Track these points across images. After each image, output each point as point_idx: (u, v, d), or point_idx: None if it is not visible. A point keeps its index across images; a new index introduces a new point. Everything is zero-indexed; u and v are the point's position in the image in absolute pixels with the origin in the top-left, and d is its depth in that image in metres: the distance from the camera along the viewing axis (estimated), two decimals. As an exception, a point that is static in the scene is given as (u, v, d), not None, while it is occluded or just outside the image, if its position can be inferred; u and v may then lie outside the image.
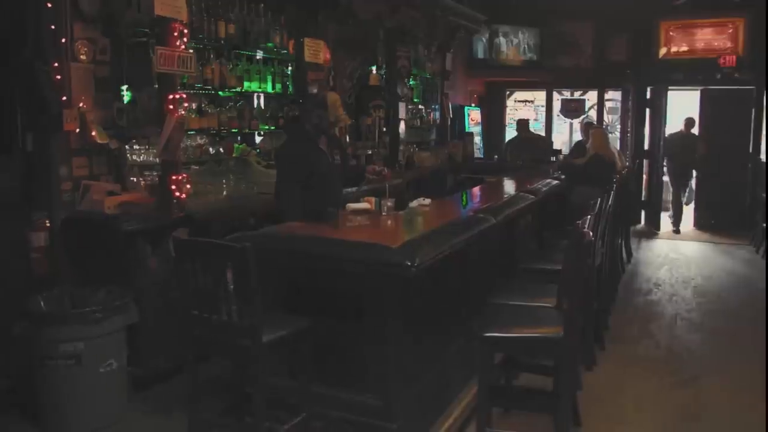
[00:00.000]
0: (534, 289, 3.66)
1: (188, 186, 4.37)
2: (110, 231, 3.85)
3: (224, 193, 4.87)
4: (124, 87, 4.34)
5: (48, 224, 3.91)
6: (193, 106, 4.92)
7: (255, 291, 2.81)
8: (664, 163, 10.14)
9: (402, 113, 7.78)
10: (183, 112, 4.36)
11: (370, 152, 7.09)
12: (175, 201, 4.22)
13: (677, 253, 8.28)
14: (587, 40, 10.56)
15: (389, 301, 3.11)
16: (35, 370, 3.41)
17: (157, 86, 4.21)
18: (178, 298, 3.15)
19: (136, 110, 4.35)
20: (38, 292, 3.60)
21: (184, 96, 4.38)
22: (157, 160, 4.33)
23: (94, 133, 4.13)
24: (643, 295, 6.36)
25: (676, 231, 9.72)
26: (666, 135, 10.18)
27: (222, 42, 5.03)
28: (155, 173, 4.40)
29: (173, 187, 4.22)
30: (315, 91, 5.86)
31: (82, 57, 4.09)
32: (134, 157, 4.40)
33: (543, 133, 10.82)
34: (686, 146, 9.83)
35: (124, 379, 3.60)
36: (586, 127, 8.14)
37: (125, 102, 4.35)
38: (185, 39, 4.23)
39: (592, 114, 11.10)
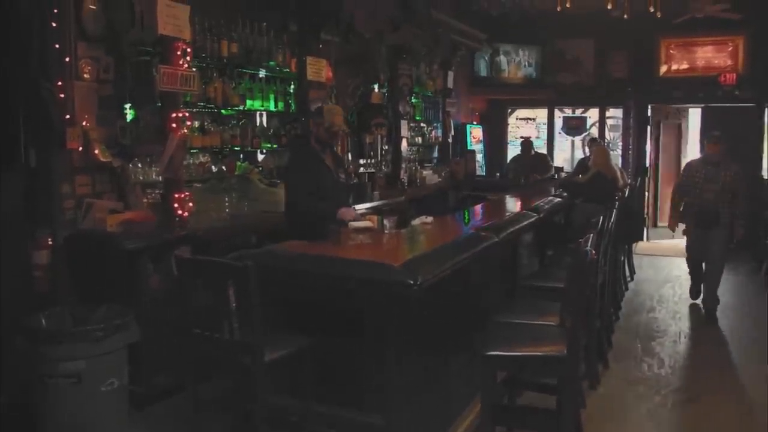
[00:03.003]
0: (536, 306, 3.65)
1: (190, 204, 4.39)
2: (112, 249, 3.86)
3: (226, 211, 4.89)
4: (127, 105, 4.38)
5: (50, 242, 3.92)
6: (196, 124, 4.95)
7: (256, 309, 2.81)
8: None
9: (404, 131, 7.81)
10: (186, 131, 4.39)
11: (372, 170, 7.11)
12: (177, 219, 4.24)
13: (680, 270, 8.26)
14: (588, 58, 10.63)
15: (391, 320, 3.10)
16: (35, 388, 3.40)
17: (160, 104, 4.24)
18: (179, 316, 3.15)
19: (138, 128, 4.38)
20: (39, 309, 3.60)
21: (187, 114, 4.42)
22: (160, 178, 4.35)
23: (96, 151, 4.15)
24: (646, 312, 6.34)
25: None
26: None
27: (225, 61, 5.07)
28: (158, 191, 4.42)
29: (175, 205, 4.24)
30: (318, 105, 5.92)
31: (86, 75, 4.13)
32: (137, 175, 4.42)
33: (545, 151, 10.84)
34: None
35: (125, 398, 3.58)
36: (590, 143, 8.17)
37: (128, 120, 4.38)
38: (188, 58, 4.28)
39: (594, 131, 11.14)
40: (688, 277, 6.72)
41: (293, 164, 4.28)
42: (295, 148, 4.40)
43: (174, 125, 4.19)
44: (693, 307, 6.52)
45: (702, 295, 6.36)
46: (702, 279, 6.39)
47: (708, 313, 6.16)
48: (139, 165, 4.44)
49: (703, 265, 6.32)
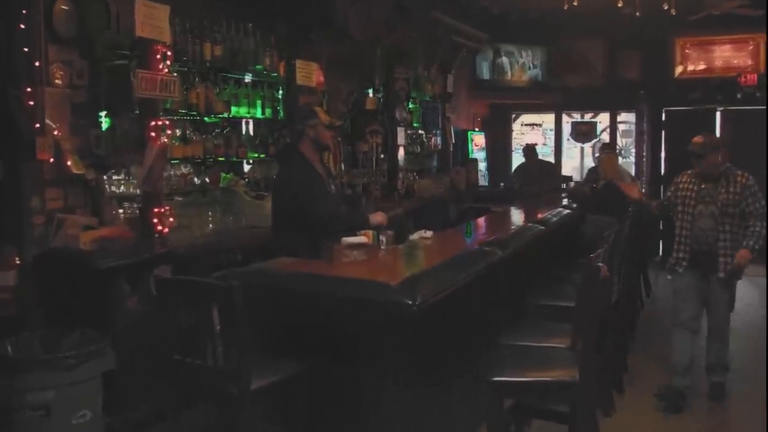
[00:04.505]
0: (545, 327, 3.65)
1: (171, 219, 4.38)
2: (86, 269, 3.84)
3: (210, 226, 4.89)
4: (103, 113, 4.38)
5: (18, 261, 3.90)
6: (177, 133, 4.95)
7: (243, 333, 2.80)
8: None
9: (401, 139, 7.83)
10: (166, 140, 4.38)
11: (367, 181, 7.12)
12: (156, 235, 4.23)
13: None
14: (598, 59, 10.69)
15: (389, 343, 3.10)
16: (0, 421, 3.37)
17: (138, 112, 4.24)
18: (159, 341, 3.13)
19: (115, 138, 4.37)
20: (5, 335, 3.57)
21: (167, 122, 4.42)
22: (138, 191, 4.33)
23: (69, 163, 4.14)
24: (664, 333, 6.32)
25: None
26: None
27: (208, 64, 5.08)
28: (135, 205, 4.41)
29: (155, 220, 4.23)
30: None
31: (57, 81, 4.12)
32: (113, 188, 4.41)
33: (552, 159, 10.87)
34: None
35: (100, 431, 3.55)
36: (601, 150, 8.19)
37: (103, 129, 4.37)
38: (168, 61, 4.28)
39: (605, 137, 11.17)
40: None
41: (292, 174, 4.22)
42: (288, 156, 4.36)
43: (153, 134, 4.19)
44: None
45: (705, 363, 4.84)
46: (702, 341, 4.86)
47: (714, 388, 4.74)
48: (115, 177, 4.43)
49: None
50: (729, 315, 4.74)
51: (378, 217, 4.25)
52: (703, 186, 4.65)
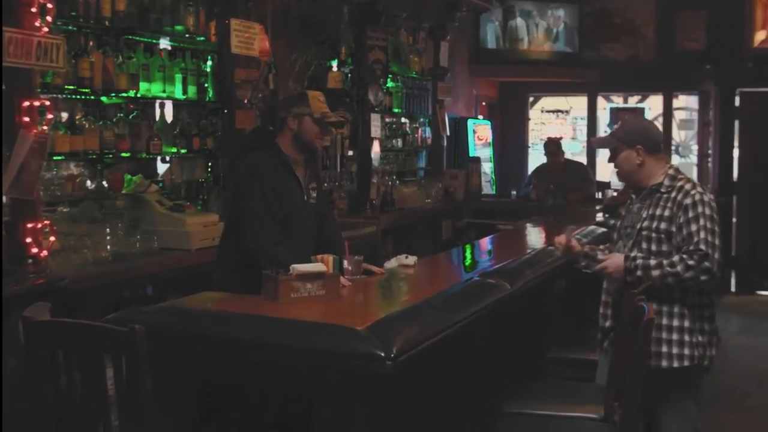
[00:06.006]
0: (570, 390, 3.67)
1: (52, 238, 4.33)
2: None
3: (108, 248, 4.85)
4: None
5: None
6: (62, 117, 4.91)
7: (148, 398, 2.76)
8: None
9: (375, 130, 7.84)
10: (45, 128, 4.34)
11: (326, 186, 7.11)
12: (30, 261, 4.18)
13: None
14: (647, 21, 10.82)
15: (353, 410, 3.08)
16: None
17: (3, 88, 4.19)
18: (29, 408, 3.08)
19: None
20: None
21: (47, 103, 4.37)
22: (3, 198, 4.28)
23: None
24: (737, 399, 6.37)
25: None
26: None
27: (107, 23, 5.05)
28: None
29: (27, 239, 4.18)
30: (248, 97, 5.90)
31: None
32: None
33: (583, 159, 10.93)
34: None
35: None
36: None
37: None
38: (49, 17, 4.24)
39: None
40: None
41: (253, 172, 4.24)
42: (257, 147, 4.35)
43: (26, 119, 4.15)
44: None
45: None
46: None
47: None
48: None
49: None
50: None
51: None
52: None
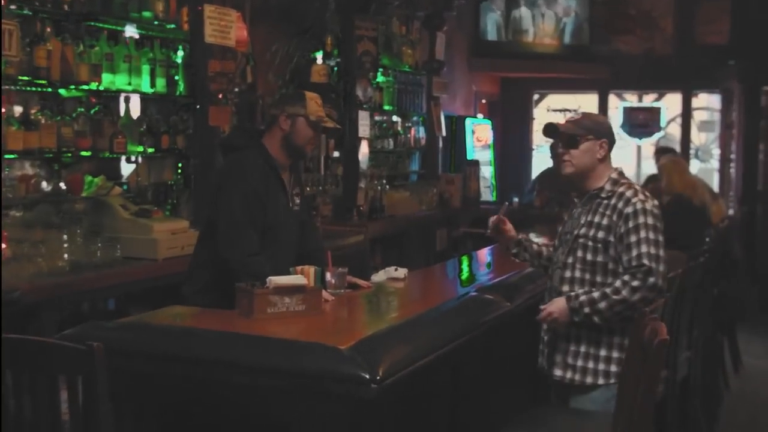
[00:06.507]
0: (574, 417, 3.66)
1: (3, 245, 4.33)
2: None
3: (65, 257, 4.84)
4: None
5: None
6: (16, 111, 4.91)
7: (108, 423, 2.77)
8: None
9: (364, 129, 7.86)
10: (-4, 123, 4.35)
11: (309, 191, 7.13)
12: (-23, 270, 4.17)
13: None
14: (665, 12, 10.86)
15: (335, 439, 3.09)
16: None
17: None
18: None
19: None
20: None
21: None
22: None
23: None
24: (760, 429, 6.37)
25: None
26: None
27: (66, 8, 5.05)
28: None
29: (-24, 246, 4.18)
30: (223, 91, 5.90)
31: None
32: None
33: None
34: None
35: None
36: (658, 153, 8.27)
37: None
38: (1, 0, 4.25)
39: (674, 131, 11.31)
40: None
41: (232, 179, 4.24)
42: (240, 147, 4.35)
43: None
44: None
45: None
46: None
47: None
48: None
49: None
50: None
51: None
52: None
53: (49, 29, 4.99)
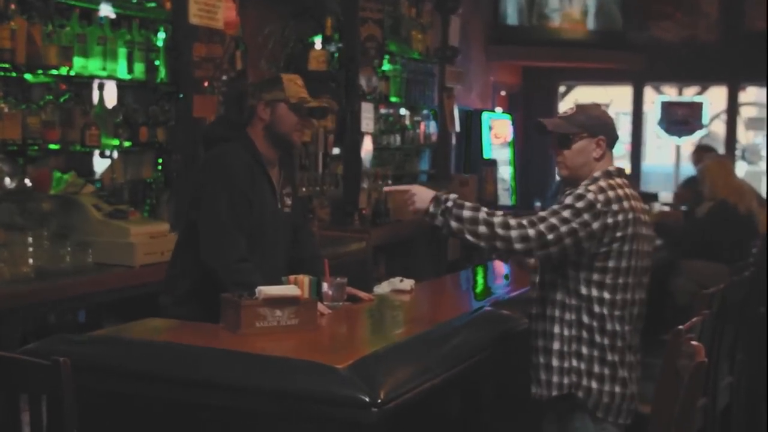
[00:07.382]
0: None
1: (-40, 248, 4.35)
2: None
3: (30, 262, 4.85)
4: None
5: None
6: (-24, 99, 4.93)
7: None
8: None
9: (367, 123, 7.87)
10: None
11: (305, 191, 7.12)
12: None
13: None
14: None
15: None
16: None
17: None
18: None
19: None
20: None
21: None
22: None
23: None
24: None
25: None
26: None
27: (34, -16, 5.07)
28: None
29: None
30: (209, 79, 5.90)
31: None
32: None
33: (626, 164, 10.97)
34: None
35: None
36: (699, 154, 8.26)
37: None
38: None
39: (718, 128, 11.31)
40: None
41: (215, 176, 4.23)
42: (222, 140, 4.34)
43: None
44: None
45: None
46: None
47: None
48: None
49: None
50: None
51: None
52: None
53: (13, 6, 5.00)
